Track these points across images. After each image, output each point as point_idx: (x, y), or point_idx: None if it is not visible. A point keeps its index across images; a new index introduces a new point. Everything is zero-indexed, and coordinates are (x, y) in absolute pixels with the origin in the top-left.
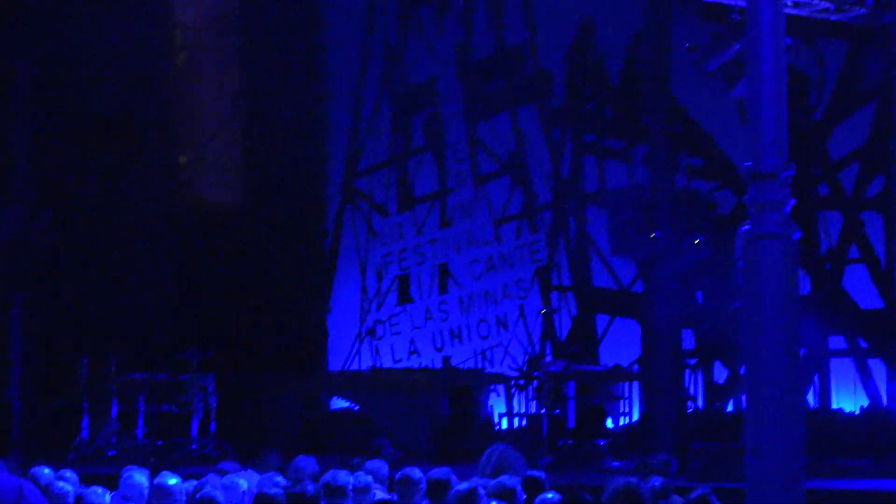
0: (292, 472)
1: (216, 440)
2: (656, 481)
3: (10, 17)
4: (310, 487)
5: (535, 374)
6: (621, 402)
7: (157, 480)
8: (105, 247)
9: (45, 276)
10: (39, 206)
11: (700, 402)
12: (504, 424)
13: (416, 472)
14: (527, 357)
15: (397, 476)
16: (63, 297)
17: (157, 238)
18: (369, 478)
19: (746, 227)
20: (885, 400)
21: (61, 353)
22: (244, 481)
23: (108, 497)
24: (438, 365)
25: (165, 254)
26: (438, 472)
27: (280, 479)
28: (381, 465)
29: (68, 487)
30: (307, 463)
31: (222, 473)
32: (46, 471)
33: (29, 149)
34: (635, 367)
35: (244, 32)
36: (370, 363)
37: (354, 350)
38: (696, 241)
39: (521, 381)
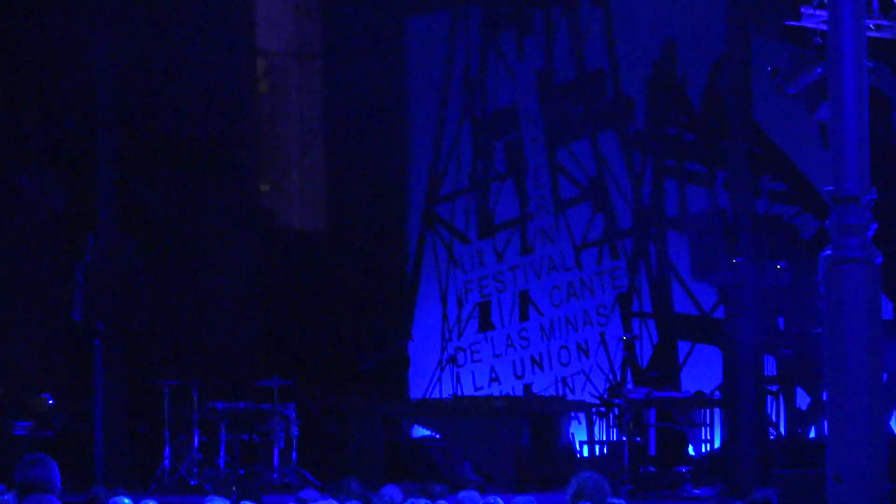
0: (377, 501)
1: (297, 469)
2: None
3: (94, 42)
4: None
5: (616, 401)
6: (703, 428)
7: None
8: (187, 275)
9: (128, 304)
10: (123, 233)
11: (782, 429)
12: (585, 452)
13: (499, 501)
14: (608, 384)
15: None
16: (145, 325)
17: (238, 265)
18: None
19: (828, 251)
20: None
21: (143, 381)
22: None
23: None
24: (519, 392)
25: (247, 281)
26: (523, 499)
27: None
28: (471, 497)
29: None
30: (392, 492)
31: (303, 502)
32: (126, 501)
33: (112, 176)
34: (717, 393)
35: (327, 59)
36: (451, 391)
37: (435, 378)
38: (778, 266)
39: (602, 409)
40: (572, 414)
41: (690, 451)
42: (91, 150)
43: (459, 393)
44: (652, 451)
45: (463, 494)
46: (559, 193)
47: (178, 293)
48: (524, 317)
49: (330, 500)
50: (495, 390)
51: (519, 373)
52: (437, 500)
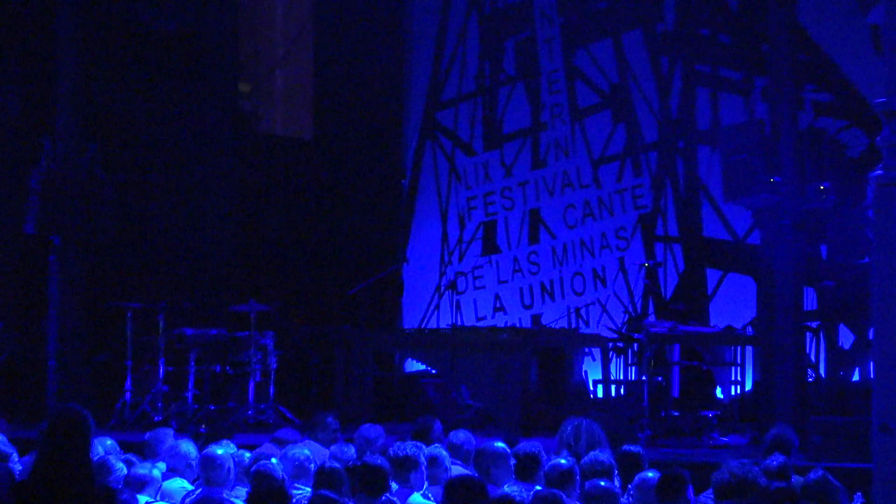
0: (357, 441)
1: (275, 405)
2: (776, 460)
3: None
4: (375, 460)
5: (636, 335)
6: (733, 368)
7: (206, 450)
8: (156, 184)
9: (88, 217)
10: (84, 137)
11: (822, 371)
12: (600, 392)
13: (499, 445)
14: (627, 316)
15: (477, 447)
16: (107, 241)
17: (214, 175)
18: (441, 449)
19: (879, 171)
20: None
21: (103, 303)
22: (306, 451)
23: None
24: (527, 324)
25: (223, 194)
26: (528, 445)
27: (349, 449)
28: (466, 438)
29: (118, 464)
30: (373, 432)
31: (280, 443)
32: None
33: (73, 73)
34: (749, 329)
35: None
36: (450, 321)
37: (433, 306)
38: (822, 188)
39: (620, 344)
40: (586, 349)
41: (718, 393)
42: (49, 42)
43: (459, 323)
44: (675, 392)
45: (455, 435)
46: (576, 101)
47: (145, 206)
48: (534, 239)
49: (309, 441)
50: (500, 321)
51: (527, 302)
52: (433, 443)
